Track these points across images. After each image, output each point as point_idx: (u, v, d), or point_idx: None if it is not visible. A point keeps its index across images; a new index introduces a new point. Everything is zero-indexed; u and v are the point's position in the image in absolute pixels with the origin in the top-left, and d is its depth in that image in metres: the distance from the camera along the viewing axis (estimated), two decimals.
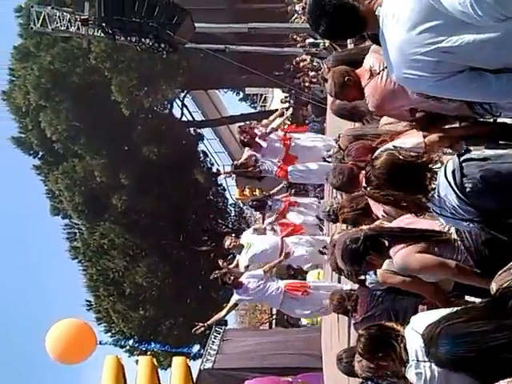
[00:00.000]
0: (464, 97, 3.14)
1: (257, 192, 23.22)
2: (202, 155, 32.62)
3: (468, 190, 3.14)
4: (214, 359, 15.85)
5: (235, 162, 12.75)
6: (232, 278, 10.27)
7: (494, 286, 2.89)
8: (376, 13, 3.10)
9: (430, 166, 3.35)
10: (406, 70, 2.97)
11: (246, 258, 11.28)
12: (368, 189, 3.60)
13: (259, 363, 15.05)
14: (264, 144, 11.42)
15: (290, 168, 11.48)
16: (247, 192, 23.60)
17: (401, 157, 3.46)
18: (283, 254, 10.76)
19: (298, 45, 21.29)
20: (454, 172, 3.20)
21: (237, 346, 16.44)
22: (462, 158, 3.22)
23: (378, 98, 4.51)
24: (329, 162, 9.81)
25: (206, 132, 35.04)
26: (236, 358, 15.91)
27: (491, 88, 2.92)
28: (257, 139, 11.38)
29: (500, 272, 2.95)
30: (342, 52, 7.97)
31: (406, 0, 2.75)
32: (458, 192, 3.17)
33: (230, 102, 42.46)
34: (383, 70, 4.17)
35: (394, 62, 3.03)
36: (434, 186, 3.30)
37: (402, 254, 3.91)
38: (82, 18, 14.45)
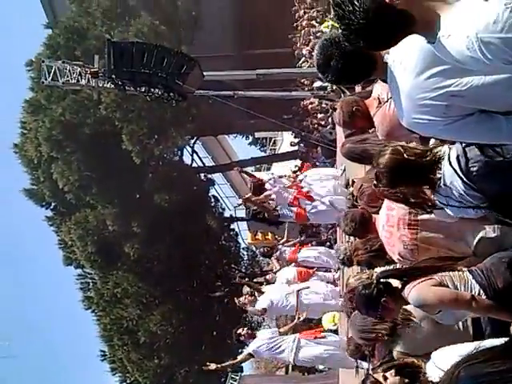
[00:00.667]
0: (475, 139, 3.15)
1: (269, 236, 23.23)
2: (213, 200, 32.69)
3: (474, 173, 3.20)
4: None
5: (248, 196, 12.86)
6: (245, 333, 10.48)
7: None
8: (384, 59, 3.13)
9: (434, 165, 3.38)
10: (416, 114, 2.99)
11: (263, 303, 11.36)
12: (378, 186, 3.64)
13: None
14: (274, 189, 11.52)
15: (308, 207, 11.54)
16: (260, 236, 23.58)
17: (405, 155, 3.48)
18: (298, 315, 10.91)
19: (306, 88, 21.47)
20: (458, 157, 3.27)
21: None
22: (464, 144, 3.25)
23: (388, 126, 4.59)
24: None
25: (217, 177, 35.22)
26: None
27: (502, 130, 2.93)
28: (266, 186, 11.51)
29: None
30: (352, 96, 8.04)
31: (410, 48, 2.77)
32: (463, 177, 3.23)
33: (240, 147, 42.90)
34: (391, 97, 4.20)
35: (404, 108, 3.04)
36: (439, 175, 3.32)
37: (416, 290, 3.89)
38: (92, 70, 14.64)
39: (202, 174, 32.24)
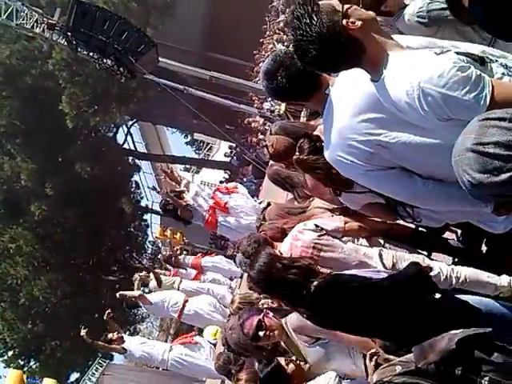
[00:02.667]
0: (389, 192, 3.12)
1: (177, 236, 23.10)
2: (134, 186, 32.34)
3: None
4: None
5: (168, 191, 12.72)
6: (116, 338, 10.54)
7: (374, 377, 2.93)
8: (326, 91, 3.17)
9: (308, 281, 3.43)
10: (341, 153, 2.99)
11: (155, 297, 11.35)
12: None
13: None
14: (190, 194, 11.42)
15: (220, 218, 11.45)
16: (168, 233, 23.40)
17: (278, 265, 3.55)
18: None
19: (255, 105, 21.58)
20: None
21: (117, 382, 16.06)
22: None
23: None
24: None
25: (144, 165, 34.90)
26: None
27: (416, 190, 2.94)
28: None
29: (384, 365, 2.99)
30: (290, 122, 8.12)
31: (356, 87, 2.78)
32: None
33: (176, 142, 42.69)
34: None
35: (332, 143, 3.04)
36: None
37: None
38: (50, 22, 14.35)
39: (131, 158, 31.87)
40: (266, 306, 5.15)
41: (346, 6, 2.55)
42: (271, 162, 6.53)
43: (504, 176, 1.88)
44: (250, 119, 22.99)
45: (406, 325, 3.11)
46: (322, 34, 2.51)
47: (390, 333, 3.25)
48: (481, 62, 2.50)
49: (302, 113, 13.29)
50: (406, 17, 4.50)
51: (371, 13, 2.62)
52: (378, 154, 2.89)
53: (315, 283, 3.38)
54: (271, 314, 4.43)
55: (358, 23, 2.52)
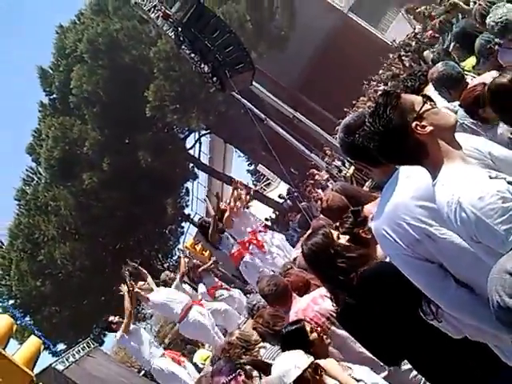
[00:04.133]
0: (419, 284, 3.02)
1: (206, 254, 23.07)
2: (184, 191, 32.63)
3: None
4: (69, 366, 15.40)
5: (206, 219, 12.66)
6: (117, 322, 10.55)
7: None
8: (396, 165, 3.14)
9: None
10: (388, 228, 2.95)
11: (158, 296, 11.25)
12: None
13: None
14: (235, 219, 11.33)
15: (246, 256, 11.28)
16: (198, 248, 23.37)
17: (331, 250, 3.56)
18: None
19: (326, 159, 21.59)
20: None
21: (96, 367, 15.98)
22: None
23: None
24: None
25: (202, 176, 35.17)
26: (88, 377, 15.44)
27: (447, 292, 2.90)
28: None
29: None
30: (353, 186, 8.09)
31: (424, 172, 2.76)
32: None
33: (239, 167, 42.83)
34: None
35: (383, 216, 3.01)
36: None
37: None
38: (167, 12, 14.67)
39: (192, 164, 32.18)
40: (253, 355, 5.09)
41: (424, 108, 2.57)
42: (320, 215, 6.50)
43: None
44: (316, 171, 22.98)
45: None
46: (387, 130, 2.55)
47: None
48: None
49: (367, 183, 13.28)
50: (500, 130, 4.48)
51: (452, 120, 2.62)
52: (423, 244, 2.85)
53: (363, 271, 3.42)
54: (242, 378, 4.41)
55: (428, 129, 2.53)
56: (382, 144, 2.60)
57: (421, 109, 2.57)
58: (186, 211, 33.75)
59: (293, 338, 4.32)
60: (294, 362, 3.70)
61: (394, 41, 22.62)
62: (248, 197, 12.01)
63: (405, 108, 2.56)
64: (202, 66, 15.02)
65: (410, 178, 2.88)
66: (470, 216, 2.37)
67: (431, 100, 2.65)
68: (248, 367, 4.53)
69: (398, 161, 2.75)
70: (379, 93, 2.80)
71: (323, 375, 3.73)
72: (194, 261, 13.81)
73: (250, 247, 11.35)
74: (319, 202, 10.34)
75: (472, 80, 5.72)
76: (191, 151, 32.82)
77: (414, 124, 2.53)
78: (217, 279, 13.82)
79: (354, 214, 4.04)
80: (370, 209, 3.93)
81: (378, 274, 3.46)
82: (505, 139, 4.38)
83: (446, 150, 2.58)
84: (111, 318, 11.07)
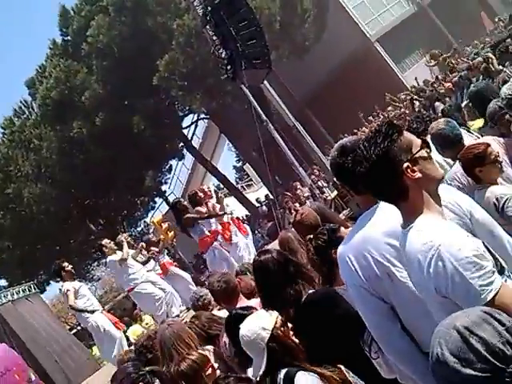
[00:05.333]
0: (365, 318, 3.10)
1: (171, 234, 22.96)
2: (167, 168, 32.55)
3: None
4: (4, 303, 15.39)
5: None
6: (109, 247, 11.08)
7: None
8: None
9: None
10: (352, 256, 3.01)
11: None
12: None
13: (34, 345, 14.55)
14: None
15: (215, 243, 11.43)
16: (164, 226, 23.26)
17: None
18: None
19: (312, 177, 21.59)
20: None
21: (31, 313, 15.86)
22: None
23: None
24: None
25: (188, 158, 35.10)
26: (20, 320, 15.32)
27: (391, 335, 2.95)
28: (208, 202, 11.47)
29: None
30: (330, 211, 8.04)
31: (398, 214, 2.72)
32: None
33: (226, 159, 43.00)
34: None
35: (351, 243, 3.06)
36: None
37: None
38: None
39: (182, 144, 32.07)
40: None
41: (420, 153, 2.55)
42: (291, 228, 6.46)
43: (469, 372, 1.80)
44: (299, 185, 22.96)
45: None
46: (378, 160, 2.52)
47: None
48: (500, 270, 2.43)
49: (345, 211, 13.32)
50: (487, 194, 4.50)
51: (439, 174, 2.61)
52: (382, 281, 2.89)
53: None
54: None
55: (417, 175, 2.51)
56: (368, 172, 2.56)
57: (417, 152, 2.54)
58: (163, 188, 33.79)
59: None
60: (260, 324, 3.64)
61: (417, 80, 22.69)
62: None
63: (402, 145, 2.53)
64: (221, 50, 14.93)
65: (386, 213, 2.88)
66: (447, 266, 2.33)
67: (429, 148, 2.63)
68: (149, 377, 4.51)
69: (375, 193, 2.71)
70: (383, 121, 2.74)
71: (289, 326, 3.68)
72: (154, 238, 13.83)
73: (219, 237, 11.54)
74: (293, 214, 10.42)
75: (476, 139, 5.75)
76: (185, 131, 32.75)
77: (405, 165, 2.50)
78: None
79: (330, 231, 4.05)
80: (346, 232, 3.92)
81: (326, 300, 3.48)
82: (490, 203, 4.40)
83: (427, 201, 2.55)
84: (104, 242, 11.43)
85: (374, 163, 2.52)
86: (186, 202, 12.07)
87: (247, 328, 3.61)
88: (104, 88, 25.96)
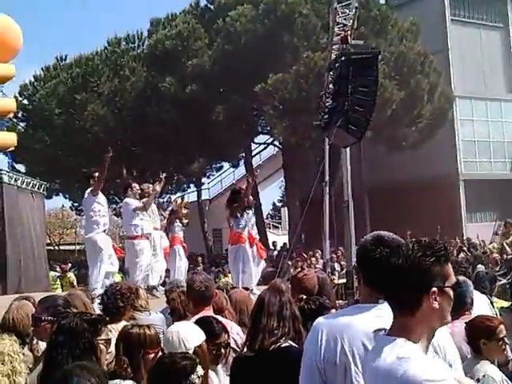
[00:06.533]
0: None
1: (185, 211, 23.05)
2: (218, 166, 33.35)
3: None
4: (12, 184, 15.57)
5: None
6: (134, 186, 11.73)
7: None
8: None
9: None
10: (326, 332, 3.01)
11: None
12: None
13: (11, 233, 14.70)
14: None
15: (246, 244, 11.76)
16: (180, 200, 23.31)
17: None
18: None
19: (333, 255, 21.62)
20: None
21: (24, 205, 16.05)
22: None
23: None
24: None
25: (240, 169, 35.35)
26: (14, 206, 15.45)
27: None
28: None
29: None
30: (330, 290, 7.93)
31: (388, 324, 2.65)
32: None
33: (270, 193, 42.69)
34: None
35: (335, 320, 3.05)
36: None
37: None
38: (348, 38, 14.45)
39: (243, 154, 32.32)
40: None
41: (449, 290, 2.46)
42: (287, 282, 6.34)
43: None
44: (318, 254, 22.89)
45: None
46: (416, 266, 2.41)
47: None
48: None
49: (341, 301, 13.17)
50: (478, 366, 4.38)
51: (447, 320, 2.52)
52: (336, 371, 2.88)
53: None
54: None
55: (436, 305, 2.42)
56: (400, 268, 2.44)
57: (449, 287, 2.46)
58: (203, 180, 34.26)
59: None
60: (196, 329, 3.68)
61: (478, 237, 22.77)
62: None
63: (442, 272, 2.45)
64: (328, 99, 14.92)
65: (379, 320, 2.78)
66: None
67: (455, 290, 2.56)
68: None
69: (390, 290, 2.55)
70: (437, 239, 2.65)
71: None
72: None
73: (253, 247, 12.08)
74: (297, 270, 10.48)
75: (493, 314, 5.66)
76: (253, 145, 33.01)
77: (434, 289, 2.41)
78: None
79: (321, 305, 4.07)
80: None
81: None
82: (474, 376, 4.28)
83: (422, 334, 2.45)
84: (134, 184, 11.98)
85: (412, 265, 2.42)
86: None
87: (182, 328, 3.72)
88: (213, 65, 26.34)
